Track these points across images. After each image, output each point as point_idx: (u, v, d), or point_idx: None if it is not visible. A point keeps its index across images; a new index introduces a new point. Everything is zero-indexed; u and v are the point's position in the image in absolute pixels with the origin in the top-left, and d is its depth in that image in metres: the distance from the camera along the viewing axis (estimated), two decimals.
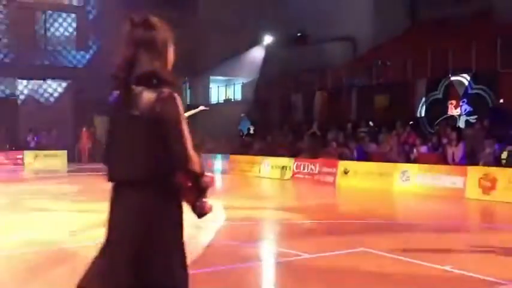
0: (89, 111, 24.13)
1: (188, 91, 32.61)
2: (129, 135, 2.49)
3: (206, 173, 2.58)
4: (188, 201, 2.62)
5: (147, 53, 2.51)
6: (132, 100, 2.45)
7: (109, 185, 2.60)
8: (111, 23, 23.43)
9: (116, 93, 2.56)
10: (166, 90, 2.46)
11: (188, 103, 30.26)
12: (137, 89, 2.46)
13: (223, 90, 32.99)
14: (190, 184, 2.54)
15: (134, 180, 2.49)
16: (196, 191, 2.58)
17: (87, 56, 23.25)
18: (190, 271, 5.62)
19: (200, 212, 2.67)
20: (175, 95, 2.48)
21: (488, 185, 11.57)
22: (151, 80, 2.46)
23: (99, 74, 23.39)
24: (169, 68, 2.62)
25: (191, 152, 2.48)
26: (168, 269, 2.61)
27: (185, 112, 2.67)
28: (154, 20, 2.62)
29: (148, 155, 2.46)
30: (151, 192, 2.48)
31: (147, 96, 2.43)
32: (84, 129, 24.88)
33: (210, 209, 2.72)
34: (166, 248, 2.58)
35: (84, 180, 16.87)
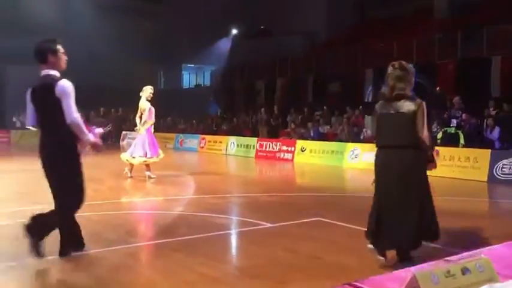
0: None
1: (162, 78, 32.03)
2: (397, 122, 4.16)
3: (433, 148, 4.44)
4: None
5: (402, 83, 4.18)
6: (396, 105, 4.17)
7: None
8: (85, 12, 22.72)
9: (382, 102, 4.29)
10: (419, 100, 4.16)
11: (162, 87, 29.76)
12: (399, 101, 4.17)
13: (194, 76, 32.57)
14: (425, 151, 4.29)
15: (402, 145, 4.16)
16: (428, 156, 4.41)
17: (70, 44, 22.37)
18: (162, 240, 5.48)
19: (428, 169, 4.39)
20: (423, 102, 4.14)
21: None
22: (407, 96, 4.16)
23: (81, 61, 22.81)
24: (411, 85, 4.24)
25: (426, 133, 4.14)
26: (421, 206, 4.30)
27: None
28: (405, 63, 4.27)
29: (409, 132, 4.12)
30: (411, 151, 4.17)
31: (408, 103, 4.14)
32: None
33: (433, 168, 4.53)
34: (419, 183, 4.28)
35: None
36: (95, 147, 4.42)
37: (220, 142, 19.14)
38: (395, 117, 4.15)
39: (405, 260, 4.14)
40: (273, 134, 18.22)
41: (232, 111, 23.94)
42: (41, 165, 4.34)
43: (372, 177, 4.53)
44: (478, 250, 1.82)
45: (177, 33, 27.42)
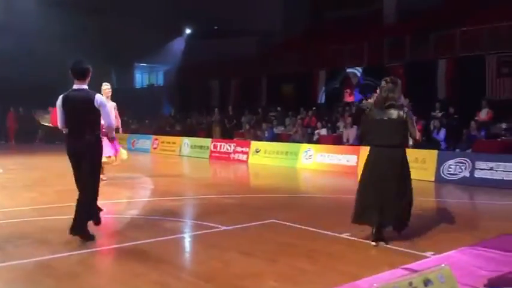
0: (14, 94, 22.33)
1: (114, 77, 31.23)
2: (389, 126, 5.13)
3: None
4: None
5: (394, 94, 5.17)
6: (388, 112, 5.15)
7: None
8: (30, 8, 21.76)
9: (376, 109, 5.24)
10: (406, 109, 5.21)
11: (114, 87, 28.98)
12: (390, 109, 5.15)
13: (146, 76, 32.03)
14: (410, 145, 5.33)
15: (394, 145, 5.15)
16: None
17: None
18: (112, 246, 5.27)
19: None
20: (409, 110, 5.24)
21: None
22: (397, 106, 5.17)
23: (25, 59, 21.80)
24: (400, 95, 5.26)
25: (417, 132, 5.32)
26: (410, 191, 5.28)
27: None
28: (394, 78, 5.28)
29: (398, 135, 5.14)
30: (401, 150, 5.20)
31: (397, 111, 5.14)
32: (11, 110, 23.07)
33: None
34: (407, 174, 5.28)
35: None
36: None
37: (174, 143, 18.86)
38: (388, 122, 5.13)
39: (379, 236, 5.09)
40: (228, 134, 18.14)
41: (186, 111, 23.67)
42: (75, 157, 5.21)
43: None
44: (436, 257, 1.82)
45: (129, 31, 26.77)
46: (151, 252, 4.88)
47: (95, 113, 5.24)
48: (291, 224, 6.10)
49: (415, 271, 1.33)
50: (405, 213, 5.22)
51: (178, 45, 29.20)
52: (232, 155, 16.04)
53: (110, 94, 9.65)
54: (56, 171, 11.45)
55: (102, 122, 5.46)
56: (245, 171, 14.18)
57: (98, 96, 5.27)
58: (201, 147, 17.46)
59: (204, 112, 21.78)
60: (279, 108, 18.78)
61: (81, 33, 25.07)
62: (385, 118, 5.12)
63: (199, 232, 5.85)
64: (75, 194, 5.15)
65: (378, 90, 5.29)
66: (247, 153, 15.61)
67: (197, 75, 25.55)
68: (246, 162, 15.38)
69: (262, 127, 17.24)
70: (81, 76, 5.32)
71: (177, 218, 6.73)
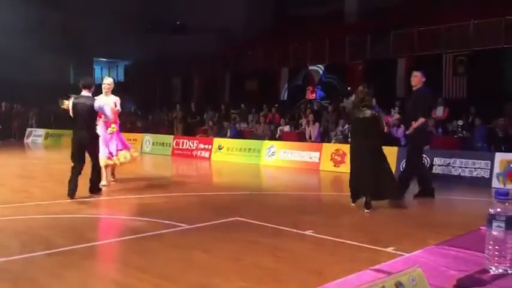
0: None
1: (72, 72, 30.37)
2: (365, 123, 6.68)
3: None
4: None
5: (368, 97, 6.74)
6: (363, 111, 6.69)
7: None
8: None
9: (355, 109, 6.88)
10: (377, 108, 7.01)
11: (72, 82, 28.18)
12: (367, 109, 6.69)
13: (106, 71, 31.30)
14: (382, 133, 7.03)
15: (369, 136, 6.64)
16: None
17: None
18: (71, 247, 5.09)
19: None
20: (380, 109, 7.41)
21: (339, 159, 12.19)
22: (371, 106, 6.79)
23: None
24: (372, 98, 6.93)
25: (385, 127, 7.06)
26: (388, 167, 7.03)
27: None
28: (369, 85, 6.94)
29: (372, 128, 6.68)
30: (374, 139, 6.71)
31: (371, 111, 6.69)
32: None
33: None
34: (383, 156, 6.91)
35: None
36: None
37: (135, 140, 18.49)
38: (364, 119, 6.70)
39: (369, 206, 6.71)
40: (190, 131, 17.97)
41: (147, 107, 23.28)
42: (80, 144, 7.43)
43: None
44: (405, 257, 1.83)
45: (89, 25, 26.06)
46: (113, 252, 4.75)
47: (94, 114, 7.60)
48: (254, 222, 6.07)
49: (384, 272, 1.32)
50: (395, 185, 6.99)
51: (140, 40, 28.68)
52: (194, 152, 15.89)
53: (110, 89, 9.57)
54: (11, 168, 11.01)
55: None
56: (208, 168, 14.07)
57: (96, 102, 7.57)
58: (163, 144, 17.21)
59: (166, 109, 21.48)
60: (242, 105, 18.75)
61: (40, 26, 24.23)
62: (361, 116, 6.69)
63: (162, 231, 5.73)
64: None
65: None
66: (209, 150, 15.50)
67: (159, 70, 25.17)
68: (208, 159, 15.27)
69: (225, 124, 17.16)
70: (87, 87, 7.70)
71: (139, 217, 6.58)
